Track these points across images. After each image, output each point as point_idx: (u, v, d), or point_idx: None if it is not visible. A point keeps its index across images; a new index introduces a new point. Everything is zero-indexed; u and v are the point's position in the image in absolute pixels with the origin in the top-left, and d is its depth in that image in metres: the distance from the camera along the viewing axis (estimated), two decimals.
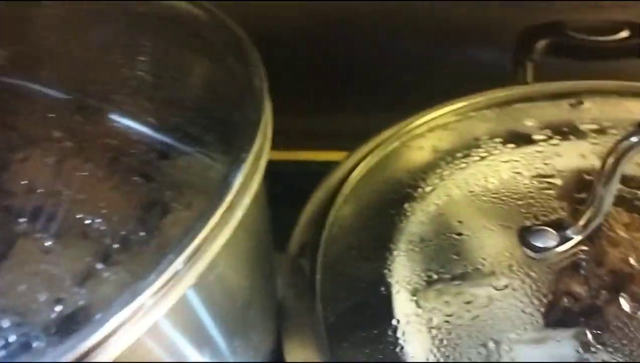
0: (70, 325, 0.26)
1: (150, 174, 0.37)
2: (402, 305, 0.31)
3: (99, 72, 0.40)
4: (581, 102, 0.42)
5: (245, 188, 0.28)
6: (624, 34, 0.50)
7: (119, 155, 0.39)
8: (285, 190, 0.50)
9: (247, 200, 0.28)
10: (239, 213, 0.27)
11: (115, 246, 0.32)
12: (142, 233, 0.33)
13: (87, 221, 0.34)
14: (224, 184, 0.35)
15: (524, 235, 0.31)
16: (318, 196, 0.40)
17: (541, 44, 0.51)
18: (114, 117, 0.41)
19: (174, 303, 0.25)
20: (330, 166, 0.43)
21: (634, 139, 0.27)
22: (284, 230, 0.38)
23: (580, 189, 0.34)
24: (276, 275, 0.36)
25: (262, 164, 0.30)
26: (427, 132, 0.44)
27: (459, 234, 0.34)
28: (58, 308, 0.27)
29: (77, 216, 0.34)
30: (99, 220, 0.34)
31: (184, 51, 0.39)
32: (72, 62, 0.40)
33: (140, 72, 0.39)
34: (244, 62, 0.33)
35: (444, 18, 0.61)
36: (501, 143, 0.40)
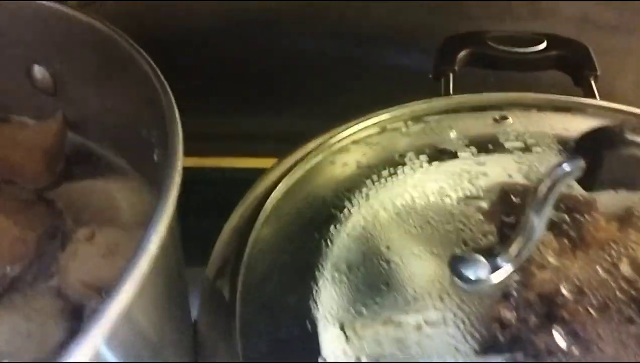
0: None
1: (48, 198, 0.34)
2: (329, 341, 0.29)
3: None
4: (505, 118, 0.41)
5: (156, 220, 0.25)
6: (543, 45, 0.50)
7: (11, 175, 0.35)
8: (205, 200, 0.47)
9: (159, 234, 0.24)
10: (151, 252, 0.24)
11: (5, 285, 0.29)
12: (37, 270, 0.29)
13: None
14: (131, 214, 0.32)
15: (455, 264, 0.30)
16: (238, 215, 0.38)
17: (462, 54, 0.51)
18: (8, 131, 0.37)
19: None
20: (250, 173, 0.40)
21: (566, 167, 0.27)
22: (204, 242, 0.36)
23: (508, 211, 0.33)
24: (191, 296, 0.33)
25: (174, 191, 0.26)
26: (350, 146, 0.42)
27: (387, 261, 0.32)
28: None
29: None
30: None
31: (82, 67, 0.35)
32: None
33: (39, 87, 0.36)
34: (144, 82, 0.30)
35: (364, 21, 0.59)
36: (426, 160, 0.38)
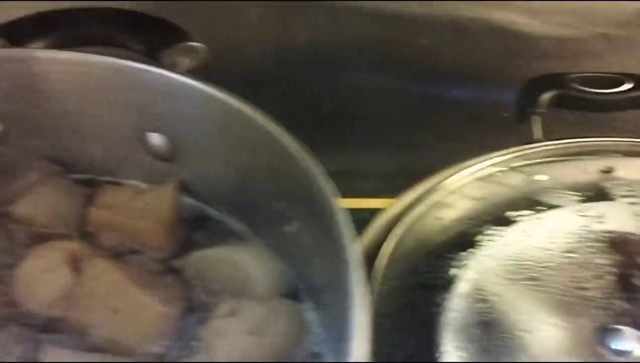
0: None
1: (175, 267, 0.34)
2: None
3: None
4: (611, 170, 0.41)
5: None
6: (627, 85, 0.50)
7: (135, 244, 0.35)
8: None
9: None
10: None
11: None
12: (180, 347, 0.29)
13: (116, 335, 0.30)
14: (264, 285, 0.31)
15: (601, 337, 0.30)
16: None
17: (545, 96, 0.50)
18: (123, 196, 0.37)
19: None
20: None
21: None
22: None
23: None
24: None
25: None
26: (448, 198, 0.42)
27: (514, 329, 0.32)
28: None
29: (104, 330, 0.30)
30: (126, 330, 0.30)
31: (201, 135, 0.35)
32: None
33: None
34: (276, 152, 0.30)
35: (439, 60, 0.59)
36: (535, 216, 0.38)
